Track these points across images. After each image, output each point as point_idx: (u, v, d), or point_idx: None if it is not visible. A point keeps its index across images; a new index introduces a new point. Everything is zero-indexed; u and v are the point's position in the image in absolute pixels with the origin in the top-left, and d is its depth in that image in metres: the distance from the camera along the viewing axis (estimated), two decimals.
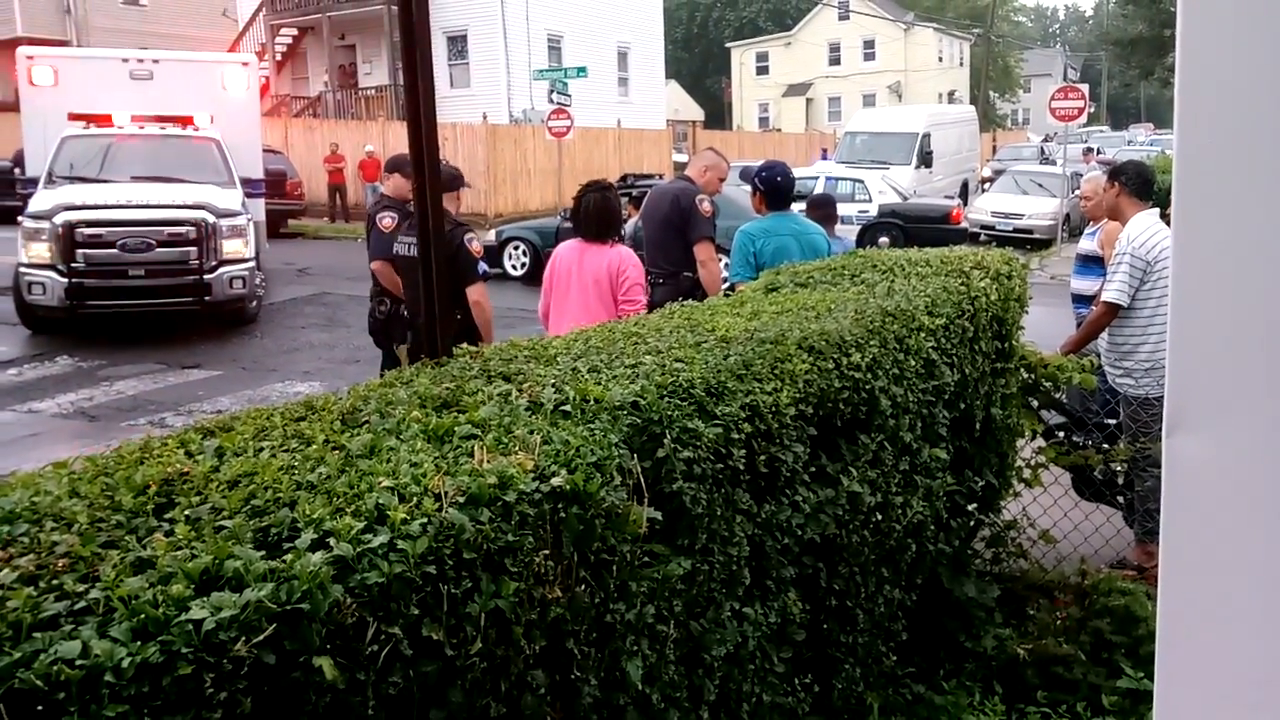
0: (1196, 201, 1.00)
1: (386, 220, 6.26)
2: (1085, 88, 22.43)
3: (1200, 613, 0.96)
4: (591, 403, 2.11)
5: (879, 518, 3.10)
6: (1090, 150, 29.12)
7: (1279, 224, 0.95)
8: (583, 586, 1.83)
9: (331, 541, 1.42)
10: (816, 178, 20.17)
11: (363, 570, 1.40)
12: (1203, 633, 0.96)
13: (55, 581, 1.28)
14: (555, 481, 1.76)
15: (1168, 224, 5.21)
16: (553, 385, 2.21)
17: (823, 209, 7.09)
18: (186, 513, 1.53)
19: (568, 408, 2.08)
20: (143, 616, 1.20)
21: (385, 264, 6.20)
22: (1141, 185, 5.33)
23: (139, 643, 1.17)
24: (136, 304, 10.75)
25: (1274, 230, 0.96)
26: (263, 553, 1.38)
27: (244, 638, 1.23)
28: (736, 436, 2.34)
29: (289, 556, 1.36)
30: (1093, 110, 30.88)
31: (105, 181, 11.49)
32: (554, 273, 5.27)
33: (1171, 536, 0.98)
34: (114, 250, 10.53)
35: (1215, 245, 0.99)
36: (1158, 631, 1.00)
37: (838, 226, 8.50)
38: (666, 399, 2.22)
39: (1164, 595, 0.98)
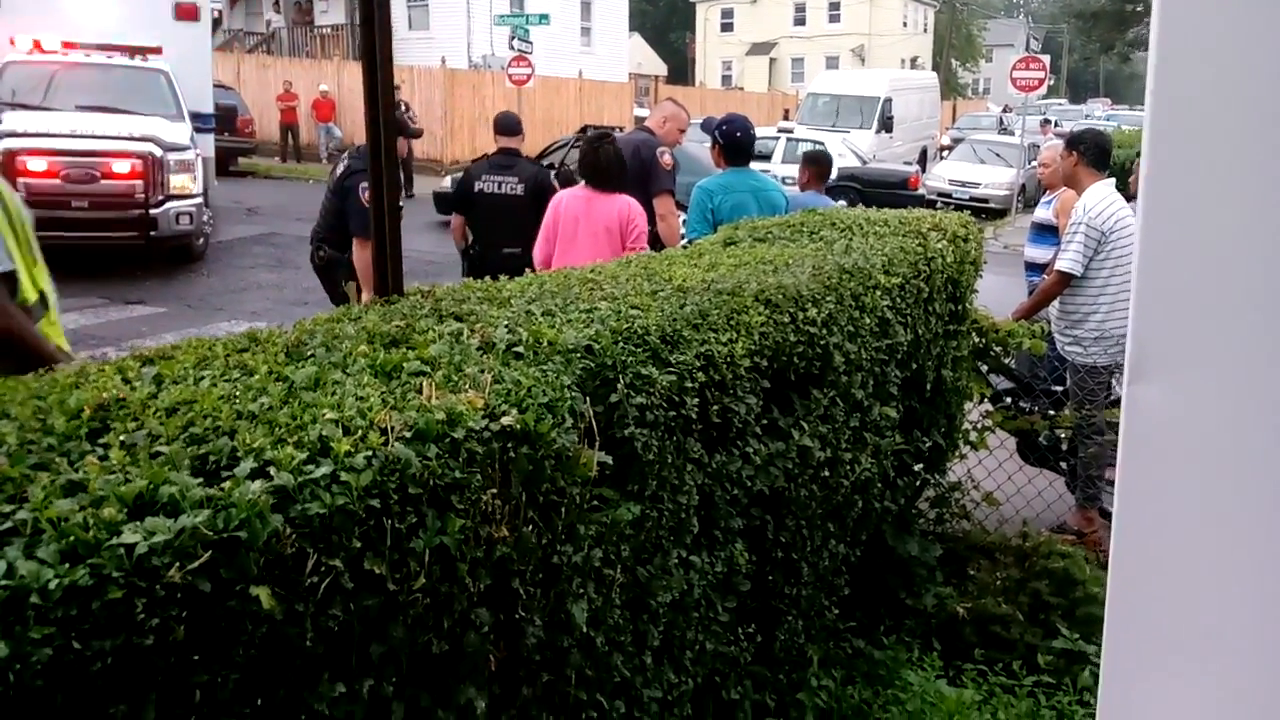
0: (1166, 152, 0.99)
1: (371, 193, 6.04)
2: (1046, 59, 22.51)
3: (1154, 561, 0.96)
4: (545, 345, 2.07)
5: (828, 473, 3.11)
6: (1047, 122, 29.35)
7: (1245, 174, 0.95)
8: (530, 527, 1.80)
9: (272, 471, 1.38)
10: (777, 138, 20.14)
11: (304, 501, 1.36)
12: (1155, 581, 0.96)
13: None
14: (505, 420, 1.72)
15: (1124, 196, 5.25)
16: (506, 326, 2.17)
17: (820, 165, 6.82)
18: (122, 438, 1.47)
19: (520, 349, 2.05)
20: (72, 539, 1.15)
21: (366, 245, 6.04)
22: (1099, 155, 5.36)
23: (67, 565, 1.13)
24: (79, 236, 10.44)
25: (1240, 179, 0.95)
26: (200, 480, 1.34)
27: (178, 564, 1.19)
28: (690, 385, 2.33)
29: (227, 484, 1.32)
30: (1052, 83, 31.06)
31: (49, 109, 11.14)
32: (558, 220, 5.30)
33: (1128, 485, 0.98)
34: (56, 180, 10.22)
35: (1183, 194, 0.98)
36: (1109, 580, 0.99)
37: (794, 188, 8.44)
38: (621, 344, 2.19)
39: (1117, 542, 0.97)
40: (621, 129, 19.53)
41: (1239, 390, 0.95)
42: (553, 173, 6.91)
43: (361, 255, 5.51)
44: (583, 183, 5.45)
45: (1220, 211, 0.96)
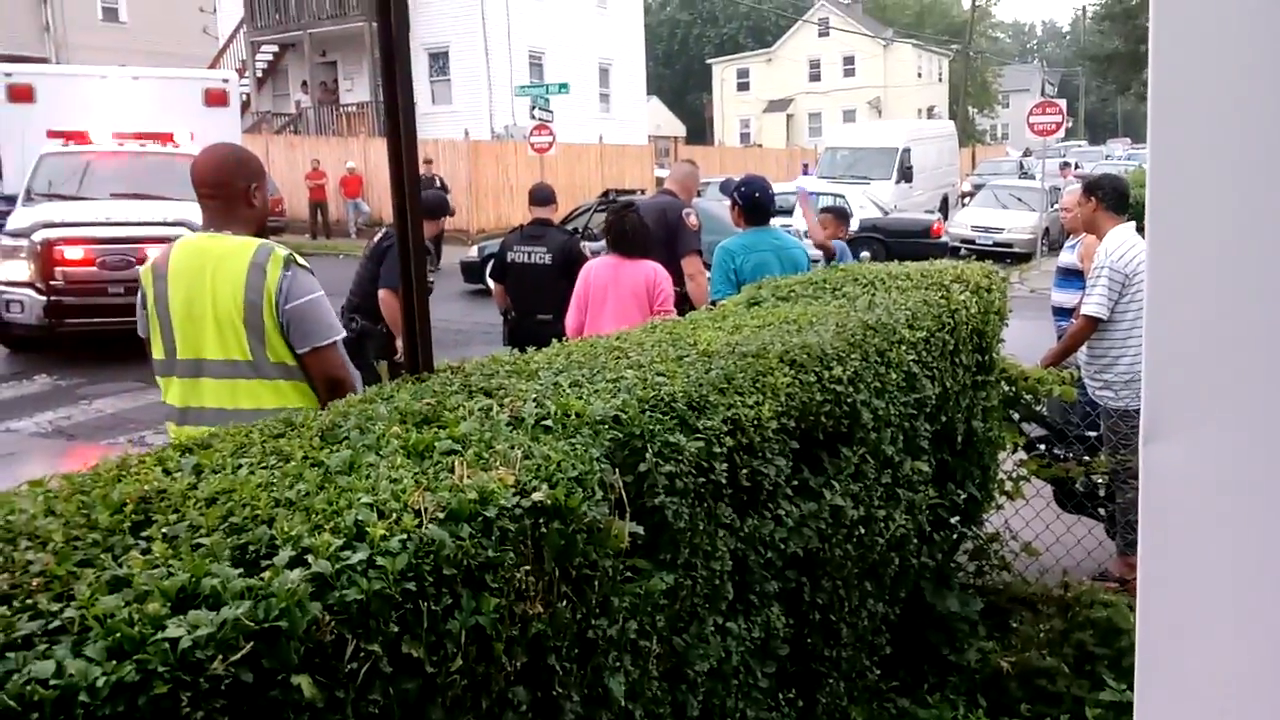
0: (1170, 206, 1.01)
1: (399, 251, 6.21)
2: (1063, 103, 22.62)
3: (1179, 620, 0.96)
4: (573, 417, 2.10)
5: (862, 531, 3.10)
6: (1068, 165, 29.39)
7: (1253, 228, 0.96)
8: (564, 602, 1.82)
9: (310, 559, 1.40)
10: (796, 193, 20.24)
11: (341, 587, 1.39)
12: (1182, 640, 0.96)
13: (29, 600, 1.26)
14: (536, 496, 1.75)
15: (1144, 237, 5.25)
16: (534, 400, 2.21)
17: (840, 217, 7.42)
18: (164, 530, 1.51)
19: (549, 422, 2.07)
20: (118, 635, 1.18)
21: (396, 295, 6.18)
22: (1117, 199, 5.37)
23: (114, 662, 1.15)
24: (116, 322, 10.61)
25: (1248, 234, 0.96)
26: (240, 570, 1.37)
27: (221, 656, 1.22)
28: (718, 450, 2.34)
29: (267, 574, 1.35)
30: (1070, 125, 31.11)
31: (84, 199, 11.42)
32: (588, 289, 5.47)
33: (1150, 545, 0.98)
34: (93, 268, 10.46)
35: (1190, 249, 1.00)
36: (1137, 641, 1.00)
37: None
38: (648, 413, 2.22)
39: (1143, 603, 0.98)
40: (644, 191, 19.77)
41: (1256, 442, 0.95)
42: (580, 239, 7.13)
43: (390, 305, 5.77)
44: (609, 250, 5.55)
45: (1229, 267, 0.97)
